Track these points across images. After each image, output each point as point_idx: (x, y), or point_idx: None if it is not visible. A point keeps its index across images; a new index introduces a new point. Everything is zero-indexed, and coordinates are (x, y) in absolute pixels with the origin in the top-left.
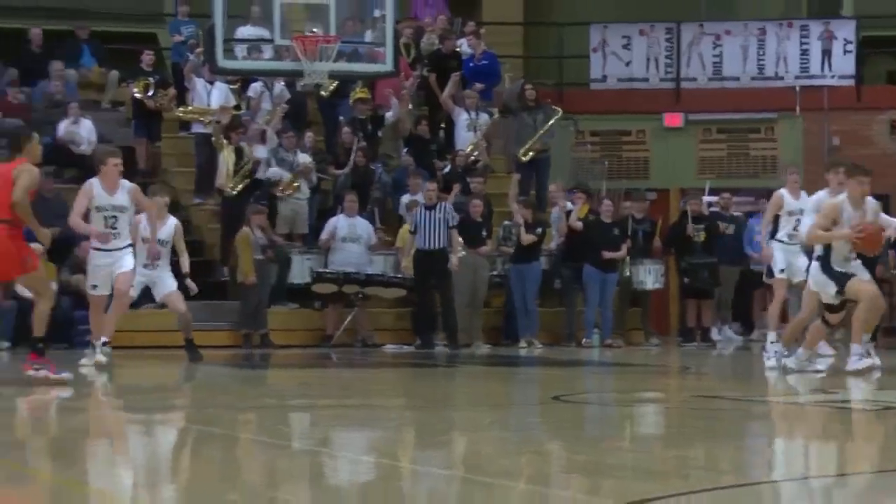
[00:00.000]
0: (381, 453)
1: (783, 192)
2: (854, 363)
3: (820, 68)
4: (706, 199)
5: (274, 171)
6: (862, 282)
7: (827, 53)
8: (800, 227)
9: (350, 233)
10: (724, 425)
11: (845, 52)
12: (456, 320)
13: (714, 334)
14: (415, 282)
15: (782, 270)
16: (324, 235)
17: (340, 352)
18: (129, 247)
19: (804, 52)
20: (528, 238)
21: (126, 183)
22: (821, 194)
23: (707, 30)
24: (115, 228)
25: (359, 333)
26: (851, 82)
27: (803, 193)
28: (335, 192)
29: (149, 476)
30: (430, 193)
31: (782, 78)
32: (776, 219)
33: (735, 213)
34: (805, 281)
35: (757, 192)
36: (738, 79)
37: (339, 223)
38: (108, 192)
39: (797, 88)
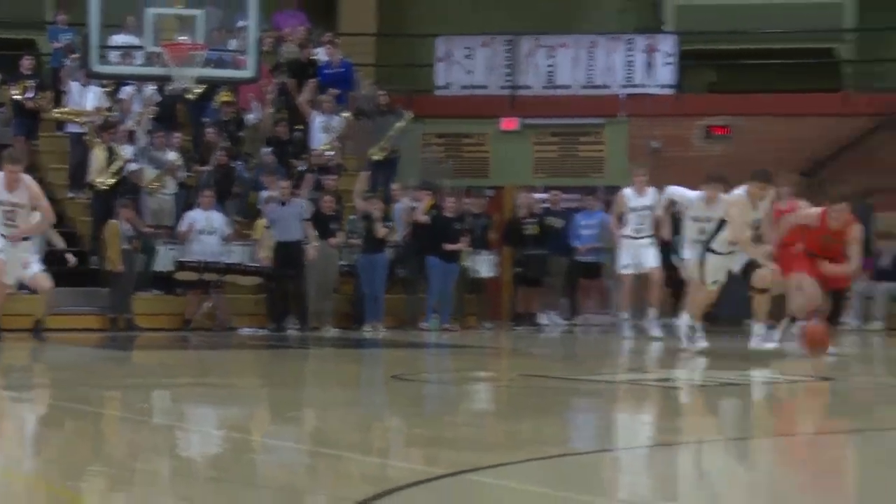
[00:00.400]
0: (236, 428)
1: (627, 190)
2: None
3: (643, 78)
4: (538, 196)
5: (133, 166)
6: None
7: (650, 65)
8: (647, 223)
9: (206, 225)
10: (550, 401)
11: (666, 63)
12: (307, 306)
13: (542, 319)
14: (273, 270)
15: (626, 266)
16: (182, 227)
17: (200, 335)
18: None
19: (629, 64)
20: (382, 231)
21: (27, 180)
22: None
23: (543, 42)
24: (13, 221)
25: (217, 318)
26: (671, 91)
27: (650, 190)
28: (198, 188)
29: (17, 450)
30: (284, 190)
31: (609, 87)
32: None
33: (563, 209)
34: (653, 269)
35: (585, 189)
36: (569, 87)
37: (196, 216)
38: (7, 190)
39: (622, 96)
